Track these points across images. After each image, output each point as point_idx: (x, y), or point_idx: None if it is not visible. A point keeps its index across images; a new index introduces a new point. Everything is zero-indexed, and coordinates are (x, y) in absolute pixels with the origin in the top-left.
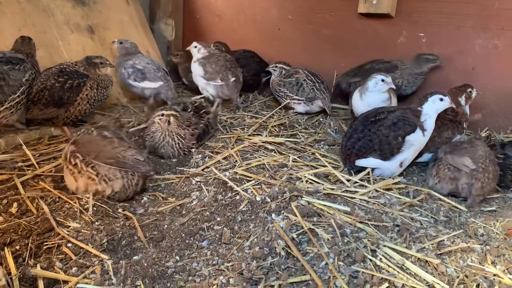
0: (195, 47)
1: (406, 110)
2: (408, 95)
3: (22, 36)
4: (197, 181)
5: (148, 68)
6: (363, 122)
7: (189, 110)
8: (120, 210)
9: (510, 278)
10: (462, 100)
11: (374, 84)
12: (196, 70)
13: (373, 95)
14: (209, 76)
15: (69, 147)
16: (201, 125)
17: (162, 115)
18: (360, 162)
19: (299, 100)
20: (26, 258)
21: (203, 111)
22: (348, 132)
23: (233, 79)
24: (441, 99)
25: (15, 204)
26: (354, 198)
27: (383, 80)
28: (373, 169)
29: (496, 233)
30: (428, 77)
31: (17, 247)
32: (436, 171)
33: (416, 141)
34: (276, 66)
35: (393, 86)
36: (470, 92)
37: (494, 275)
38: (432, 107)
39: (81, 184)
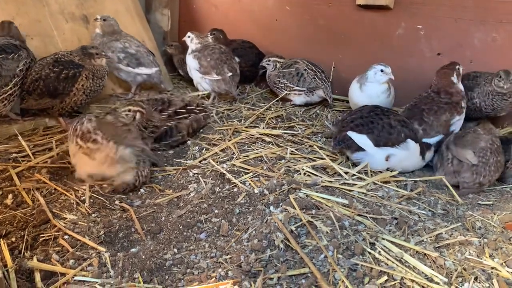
0: (188, 37)
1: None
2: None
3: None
4: (194, 173)
5: (141, 52)
6: (373, 108)
7: (170, 107)
8: (117, 202)
9: (507, 271)
10: (454, 78)
11: (373, 75)
12: (191, 64)
13: (373, 85)
14: (204, 70)
15: (86, 124)
16: (163, 128)
17: (129, 110)
18: (353, 135)
19: (300, 90)
20: (22, 250)
21: (189, 108)
22: (353, 111)
23: (230, 74)
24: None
25: (10, 196)
26: (352, 190)
27: (382, 71)
28: (355, 150)
29: (494, 226)
30: (424, 74)
31: (13, 239)
32: (440, 163)
33: (412, 149)
34: (269, 60)
35: (392, 77)
36: (459, 68)
37: (492, 268)
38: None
39: (98, 163)
